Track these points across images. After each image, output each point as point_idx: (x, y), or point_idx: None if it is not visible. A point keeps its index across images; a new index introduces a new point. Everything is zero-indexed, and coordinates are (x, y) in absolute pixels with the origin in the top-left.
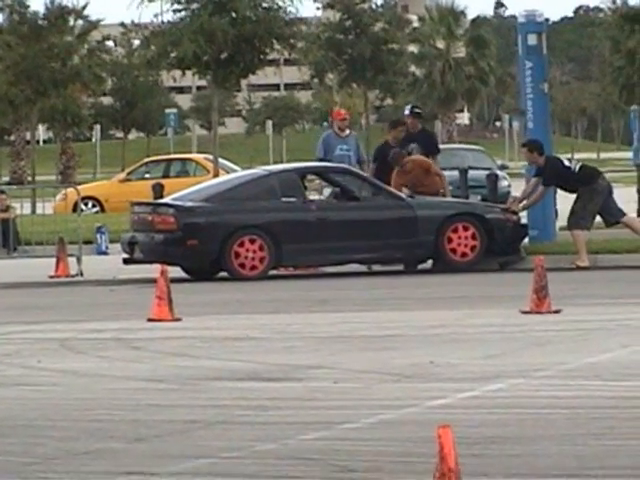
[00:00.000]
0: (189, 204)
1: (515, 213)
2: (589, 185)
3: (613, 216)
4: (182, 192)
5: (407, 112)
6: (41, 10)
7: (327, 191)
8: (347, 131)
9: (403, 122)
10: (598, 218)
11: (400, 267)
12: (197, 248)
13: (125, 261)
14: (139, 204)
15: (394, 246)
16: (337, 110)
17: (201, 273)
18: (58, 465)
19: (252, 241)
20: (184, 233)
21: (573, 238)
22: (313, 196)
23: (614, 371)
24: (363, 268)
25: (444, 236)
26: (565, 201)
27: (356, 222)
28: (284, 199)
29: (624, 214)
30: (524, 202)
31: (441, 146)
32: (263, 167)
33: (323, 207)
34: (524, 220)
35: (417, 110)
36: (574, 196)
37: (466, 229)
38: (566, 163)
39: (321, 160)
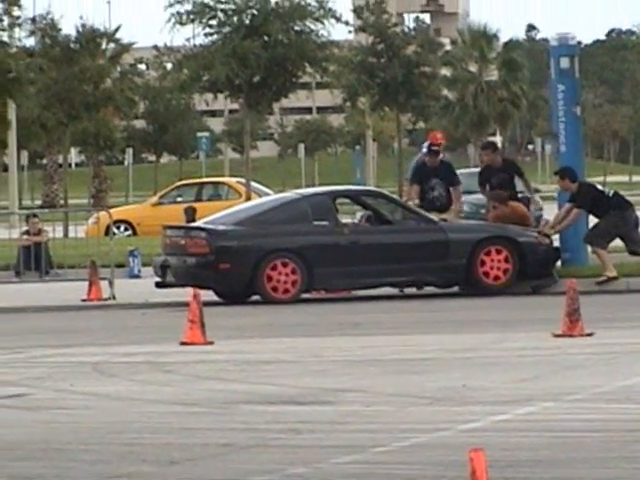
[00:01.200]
0: (221, 228)
1: (547, 236)
2: (620, 210)
3: (633, 245)
4: (214, 216)
5: (425, 150)
6: (73, 33)
7: (360, 215)
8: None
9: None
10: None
11: (432, 290)
12: (230, 272)
13: (157, 285)
14: (171, 227)
15: (426, 269)
16: (434, 134)
17: (234, 297)
18: None
19: (284, 264)
20: (216, 257)
21: (595, 253)
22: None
23: None
24: (395, 291)
25: (477, 259)
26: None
27: (388, 245)
28: (316, 222)
29: None
30: (557, 226)
31: (473, 169)
32: (295, 191)
33: (355, 230)
34: (556, 243)
35: (434, 148)
36: None
37: (499, 252)
38: (599, 187)
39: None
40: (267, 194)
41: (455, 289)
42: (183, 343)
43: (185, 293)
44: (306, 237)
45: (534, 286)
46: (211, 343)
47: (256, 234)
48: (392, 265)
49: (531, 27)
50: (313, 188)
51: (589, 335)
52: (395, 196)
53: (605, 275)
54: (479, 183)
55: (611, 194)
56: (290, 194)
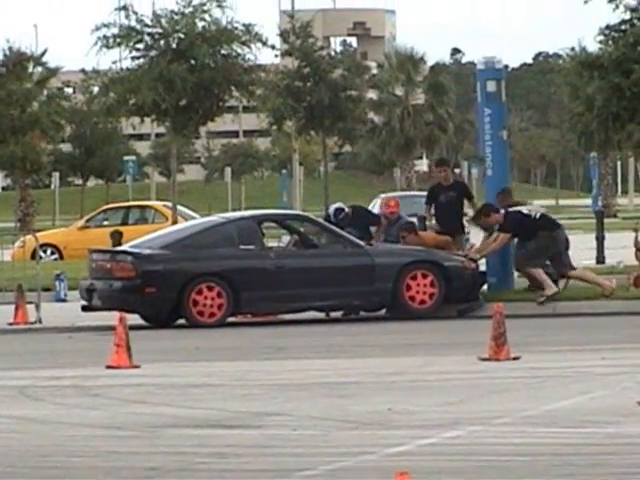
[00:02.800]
0: (147, 251)
1: (474, 261)
2: (550, 231)
3: (563, 268)
4: (140, 239)
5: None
6: None
7: (286, 238)
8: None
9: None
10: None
11: (359, 314)
12: (156, 295)
13: (84, 308)
14: (97, 251)
15: (352, 294)
16: (387, 200)
17: (160, 321)
18: None
19: (210, 288)
20: (142, 281)
21: (531, 275)
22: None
23: (573, 418)
24: (321, 315)
25: (402, 283)
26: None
27: (314, 269)
28: (242, 246)
29: (574, 268)
30: (483, 251)
31: (400, 193)
32: (221, 215)
33: (281, 255)
34: (483, 268)
35: (341, 215)
36: None
37: (425, 277)
38: (525, 212)
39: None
40: (193, 218)
41: (381, 312)
42: (109, 367)
43: (111, 317)
44: (232, 261)
45: (460, 310)
46: (137, 367)
47: (182, 258)
48: (318, 289)
49: (456, 50)
50: (239, 212)
51: (515, 359)
52: (320, 220)
53: (544, 294)
54: (427, 201)
55: (538, 216)
56: (216, 218)
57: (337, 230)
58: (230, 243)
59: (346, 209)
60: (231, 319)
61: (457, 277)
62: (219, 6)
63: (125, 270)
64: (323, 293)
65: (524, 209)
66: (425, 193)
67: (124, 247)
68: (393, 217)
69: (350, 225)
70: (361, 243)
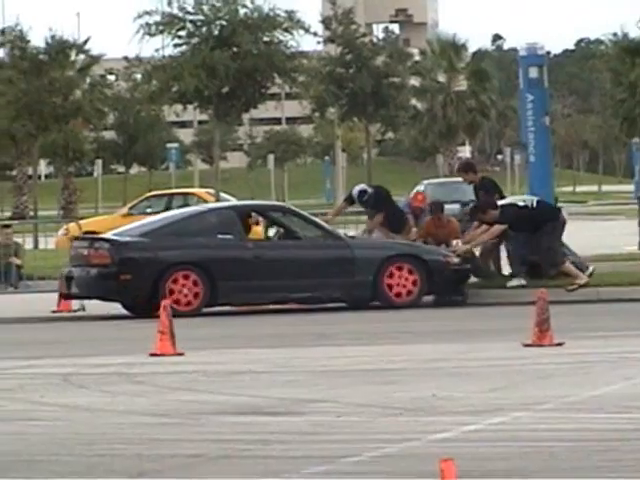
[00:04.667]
0: (125, 239)
1: (459, 256)
2: (552, 220)
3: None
4: (124, 227)
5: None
6: (42, 45)
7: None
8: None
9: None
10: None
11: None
12: (131, 283)
13: (63, 296)
14: (77, 239)
15: (331, 285)
16: (416, 194)
17: (140, 309)
18: None
19: (186, 277)
20: (118, 268)
21: (563, 270)
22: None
23: (617, 404)
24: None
25: (383, 276)
26: (567, 236)
27: (293, 261)
28: (220, 236)
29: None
30: (472, 242)
31: (442, 180)
32: (204, 204)
33: (260, 245)
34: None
35: (364, 198)
36: (574, 227)
37: (404, 269)
38: (521, 204)
39: None
40: None
41: (428, 300)
42: (153, 354)
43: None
44: (209, 250)
45: (437, 301)
46: (181, 354)
47: (159, 246)
48: (297, 280)
49: (498, 37)
50: (222, 202)
51: (559, 345)
52: (302, 212)
53: (576, 283)
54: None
55: (535, 204)
56: (198, 207)
57: (319, 222)
58: (208, 232)
59: (369, 190)
60: (275, 306)
61: (439, 271)
62: None
63: (101, 257)
64: (302, 284)
65: (519, 201)
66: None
67: (103, 235)
68: (418, 211)
69: (374, 208)
70: (342, 235)
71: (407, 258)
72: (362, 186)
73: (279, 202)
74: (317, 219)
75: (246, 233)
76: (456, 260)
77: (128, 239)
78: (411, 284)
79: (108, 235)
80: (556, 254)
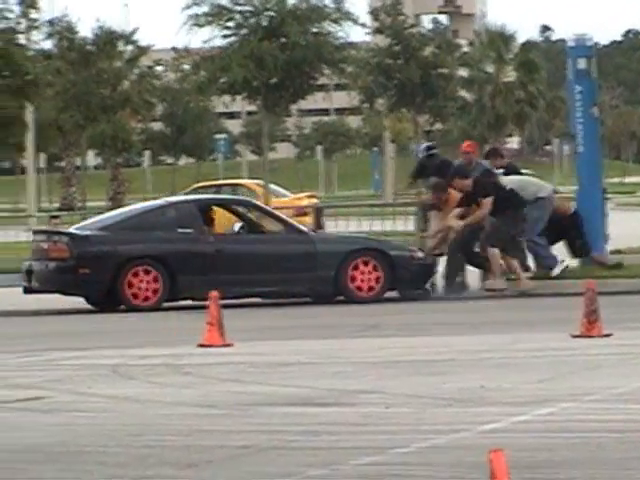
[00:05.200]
0: (84, 233)
1: (422, 251)
2: (515, 210)
3: (519, 253)
4: (87, 221)
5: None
6: (90, 36)
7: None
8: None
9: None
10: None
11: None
12: (89, 277)
13: (25, 290)
14: (38, 232)
15: (293, 280)
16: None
17: (102, 303)
18: None
19: (146, 272)
20: (77, 262)
21: (489, 261)
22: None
23: None
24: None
25: (346, 271)
26: (616, 226)
27: (254, 255)
28: (180, 230)
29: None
30: (468, 219)
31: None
32: (166, 198)
33: (221, 239)
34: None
35: (432, 152)
36: (622, 217)
37: (368, 264)
38: (498, 181)
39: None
40: (285, 195)
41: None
42: (201, 345)
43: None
44: (169, 244)
45: (403, 295)
46: (230, 345)
47: (118, 240)
48: (259, 275)
49: (546, 28)
50: (183, 197)
51: (607, 336)
52: (265, 206)
53: (491, 287)
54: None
55: (507, 188)
56: (158, 201)
57: (282, 216)
58: (168, 227)
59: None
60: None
61: (402, 266)
62: None
63: (60, 251)
64: (263, 279)
65: (499, 179)
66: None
67: (63, 229)
68: (468, 159)
69: (436, 174)
70: (305, 229)
71: (371, 252)
72: (431, 143)
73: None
74: (279, 213)
75: (209, 227)
76: (420, 255)
77: (87, 233)
78: (374, 278)
79: (67, 229)
80: (494, 239)
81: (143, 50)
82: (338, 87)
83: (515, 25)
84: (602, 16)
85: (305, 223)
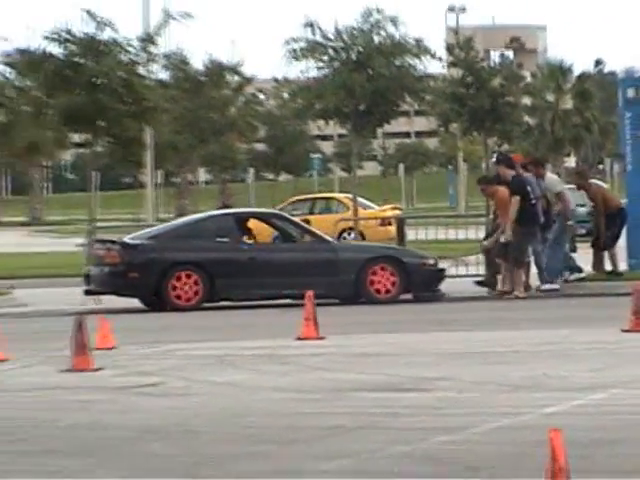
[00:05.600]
0: (133, 241)
1: (433, 258)
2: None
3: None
4: (144, 231)
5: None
6: (201, 68)
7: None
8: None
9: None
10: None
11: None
12: (137, 280)
13: (85, 292)
14: (97, 241)
15: (316, 284)
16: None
17: (153, 304)
18: (217, 465)
19: (188, 276)
20: (126, 267)
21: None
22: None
23: None
24: (483, 292)
25: (365, 276)
26: None
27: (282, 261)
28: (218, 239)
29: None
30: (505, 227)
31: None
32: (207, 212)
33: (255, 248)
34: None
35: (499, 158)
36: None
37: (386, 270)
38: (529, 190)
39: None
40: (371, 207)
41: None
42: (299, 338)
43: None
44: (208, 252)
45: (416, 297)
46: (323, 338)
47: (163, 247)
48: (286, 279)
49: (599, 62)
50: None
51: None
52: (294, 219)
53: (514, 294)
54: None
55: (533, 202)
56: (200, 215)
57: (309, 228)
58: (208, 236)
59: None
60: (403, 296)
61: (415, 271)
62: (393, 23)
63: (112, 257)
64: (290, 282)
65: (529, 187)
66: (572, 186)
67: (121, 238)
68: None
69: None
70: (330, 239)
71: (387, 260)
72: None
73: (276, 210)
74: (306, 225)
75: (247, 237)
76: (431, 262)
77: (137, 241)
78: (391, 282)
79: (120, 238)
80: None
81: (248, 80)
82: (418, 113)
83: (572, 59)
84: None
85: (389, 232)
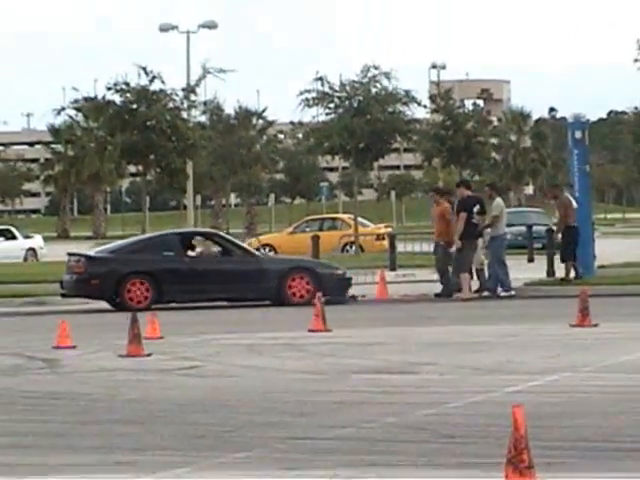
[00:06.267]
0: (96, 255)
1: (342, 269)
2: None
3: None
4: (106, 246)
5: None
6: (232, 112)
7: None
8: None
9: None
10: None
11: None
12: (98, 286)
13: (62, 295)
14: (70, 254)
15: (245, 289)
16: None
17: (114, 306)
18: (246, 432)
19: (140, 282)
20: (89, 275)
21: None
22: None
23: (637, 368)
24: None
25: (285, 283)
26: (601, 249)
27: (217, 271)
28: (164, 253)
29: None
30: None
31: (513, 209)
32: (158, 232)
33: (194, 260)
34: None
35: (460, 180)
36: (607, 243)
37: (302, 278)
38: (475, 211)
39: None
40: (368, 225)
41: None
42: (310, 330)
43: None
44: (156, 263)
45: (329, 300)
46: (330, 330)
47: (120, 260)
48: (220, 285)
49: (552, 109)
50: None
51: (595, 326)
52: (227, 236)
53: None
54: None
55: (475, 221)
56: (152, 234)
57: (240, 244)
58: (155, 251)
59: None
60: (396, 297)
61: (326, 280)
62: (387, 77)
63: (79, 267)
64: (223, 288)
65: (475, 209)
66: (531, 209)
67: (83, 251)
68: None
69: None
70: (256, 253)
71: (303, 270)
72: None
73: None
74: (237, 240)
75: (187, 251)
76: (340, 272)
77: (99, 255)
78: (306, 289)
79: (89, 252)
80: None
81: (270, 123)
82: (407, 150)
83: (530, 107)
84: (592, 100)
85: (383, 245)
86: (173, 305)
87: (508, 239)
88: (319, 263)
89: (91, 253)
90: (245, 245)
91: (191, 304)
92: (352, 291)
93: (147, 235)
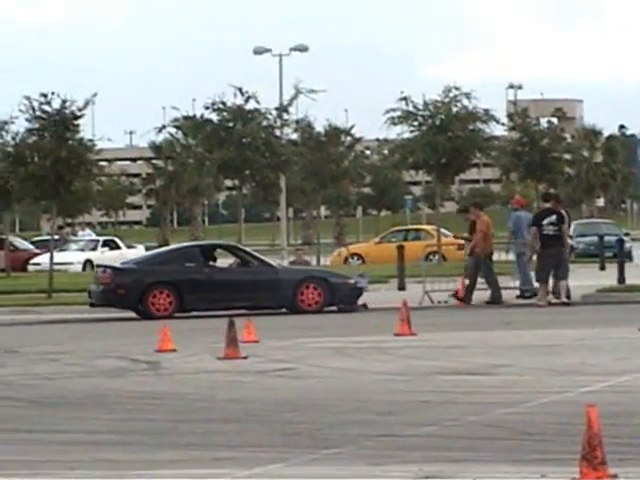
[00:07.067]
0: (122, 266)
1: (353, 278)
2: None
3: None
4: (132, 257)
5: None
6: (322, 130)
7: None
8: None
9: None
10: None
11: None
12: (124, 296)
13: (90, 305)
14: (99, 266)
15: (261, 297)
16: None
17: (139, 314)
18: (336, 430)
19: (162, 292)
20: (116, 285)
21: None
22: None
23: None
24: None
25: (298, 292)
26: None
27: (235, 281)
28: (187, 264)
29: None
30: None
31: (585, 220)
32: (183, 244)
33: (214, 271)
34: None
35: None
36: None
37: (315, 288)
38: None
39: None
40: (448, 236)
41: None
42: (396, 334)
43: (396, 301)
44: (178, 274)
45: (340, 309)
46: (415, 334)
47: (144, 271)
48: (238, 294)
49: (622, 126)
50: (193, 242)
51: None
52: (246, 248)
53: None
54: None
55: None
56: (176, 245)
57: (258, 255)
58: (178, 262)
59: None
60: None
61: (339, 289)
62: (467, 97)
63: (105, 278)
64: (241, 296)
65: (545, 221)
66: (602, 220)
67: (110, 263)
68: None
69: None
70: (273, 263)
71: (316, 279)
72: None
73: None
74: (254, 251)
75: (209, 262)
76: (351, 282)
77: (124, 266)
78: (318, 298)
79: (115, 263)
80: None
81: (357, 140)
82: (486, 165)
83: (602, 124)
84: None
85: (463, 255)
86: (266, 311)
87: (581, 248)
88: (331, 273)
89: (117, 265)
90: (262, 256)
91: (283, 312)
92: (426, 298)
93: (170, 247)
